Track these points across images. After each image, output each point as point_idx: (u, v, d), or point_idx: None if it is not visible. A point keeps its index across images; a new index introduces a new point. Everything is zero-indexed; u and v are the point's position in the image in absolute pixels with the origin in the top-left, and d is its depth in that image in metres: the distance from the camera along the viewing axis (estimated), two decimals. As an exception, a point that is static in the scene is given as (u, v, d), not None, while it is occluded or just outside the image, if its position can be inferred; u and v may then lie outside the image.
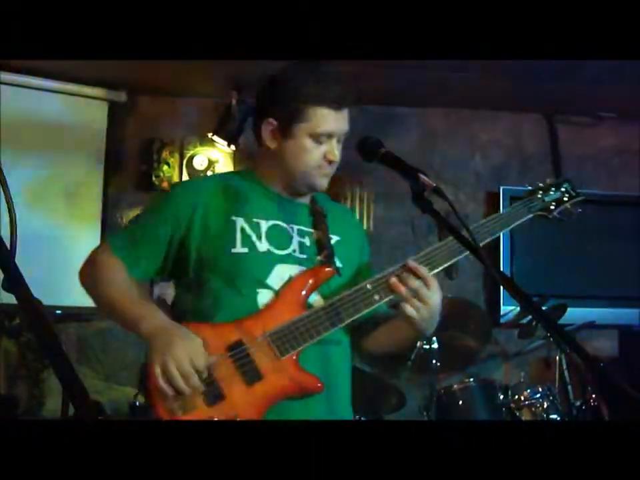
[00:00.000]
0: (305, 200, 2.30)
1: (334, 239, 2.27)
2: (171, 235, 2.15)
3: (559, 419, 4.03)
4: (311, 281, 2.13)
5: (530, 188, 2.38)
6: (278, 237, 2.18)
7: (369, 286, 2.10)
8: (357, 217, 5.30)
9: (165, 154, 5.24)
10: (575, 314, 4.72)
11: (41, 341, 1.10)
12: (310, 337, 2.05)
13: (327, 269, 2.16)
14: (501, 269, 5.17)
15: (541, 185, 2.39)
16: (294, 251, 2.18)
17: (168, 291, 2.37)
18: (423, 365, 4.12)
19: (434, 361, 4.02)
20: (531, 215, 2.32)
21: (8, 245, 1.23)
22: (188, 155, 5.31)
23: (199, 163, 5.30)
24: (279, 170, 2.22)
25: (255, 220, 2.17)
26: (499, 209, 5.40)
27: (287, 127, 2.15)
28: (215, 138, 5.16)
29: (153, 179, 5.21)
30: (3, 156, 4.14)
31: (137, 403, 4.72)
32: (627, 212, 5.56)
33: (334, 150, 2.17)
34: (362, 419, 4.01)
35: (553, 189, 2.39)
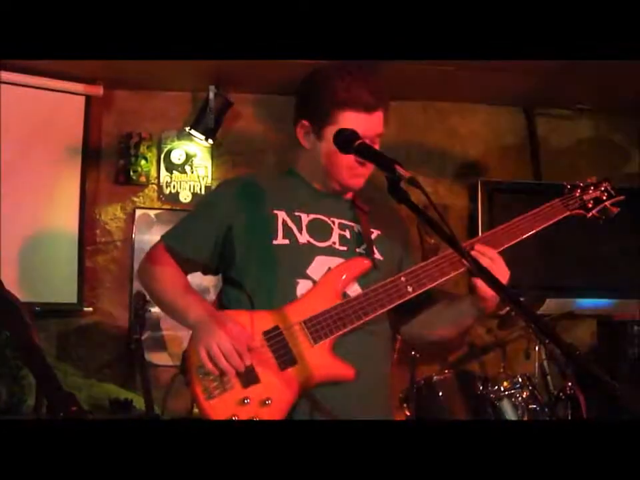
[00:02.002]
0: (348, 195, 2.37)
1: (374, 233, 2.33)
2: (218, 228, 2.25)
3: (538, 408, 4.06)
4: (347, 272, 2.19)
5: (569, 186, 2.42)
6: (318, 230, 2.25)
7: (402, 278, 2.16)
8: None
9: (142, 148, 5.21)
10: (553, 304, 4.75)
11: (11, 332, 1.09)
12: (343, 325, 2.11)
13: (364, 261, 2.22)
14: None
15: (580, 184, 2.42)
16: (334, 243, 2.25)
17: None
18: (403, 357, 4.13)
19: (413, 352, 4.03)
20: (567, 213, 2.38)
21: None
22: (166, 149, 5.30)
23: (177, 157, 5.29)
24: (315, 168, 2.30)
25: (296, 213, 2.26)
26: (478, 201, 5.43)
27: (318, 129, 2.22)
28: (193, 132, 5.15)
29: (131, 173, 5.19)
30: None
31: (118, 399, 4.70)
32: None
33: None
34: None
35: (592, 187, 2.42)
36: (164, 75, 5.05)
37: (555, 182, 5.41)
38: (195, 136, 5.17)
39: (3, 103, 4.75)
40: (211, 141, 5.17)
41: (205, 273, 2.36)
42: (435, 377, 4.06)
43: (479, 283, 2.11)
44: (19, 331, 1.09)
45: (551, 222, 2.33)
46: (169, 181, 5.28)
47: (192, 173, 5.31)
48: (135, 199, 5.26)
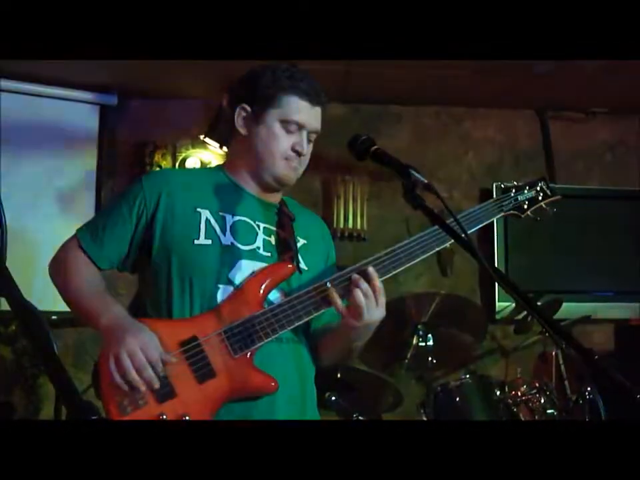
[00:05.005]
0: (274, 200, 2.30)
1: (300, 241, 2.27)
2: (135, 224, 2.15)
3: (555, 414, 4.03)
4: (270, 278, 2.09)
5: (503, 187, 2.38)
6: (243, 232, 2.16)
7: (328, 284, 2.07)
8: (340, 219, 5.31)
9: (157, 157, 5.23)
10: (570, 309, 4.73)
11: (33, 342, 1.10)
12: (265, 335, 2.01)
13: (287, 265, 2.14)
14: (496, 266, 5.17)
15: (515, 183, 2.39)
16: (258, 247, 2.16)
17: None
18: (419, 363, 4.13)
19: (430, 358, 4.02)
20: (501, 214, 2.33)
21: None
22: (180, 158, 5.31)
23: (192, 165, 5.29)
24: (248, 159, 2.23)
25: (220, 213, 2.16)
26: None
27: (259, 112, 2.19)
28: (207, 140, 5.16)
29: (146, 182, 5.19)
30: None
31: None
32: (619, 206, 5.57)
33: (303, 142, 2.19)
34: (359, 417, 4.01)
35: (527, 187, 2.39)
36: (178, 83, 5.07)
37: (569, 185, 5.48)
38: (209, 144, 5.18)
39: (17, 113, 4.78)
40: (225, 148, 5.17)
41: (120, 270, 2.24)
42: (451, 383, 4.04)
43: (345, 313, 2.04)
44: (39, 339, 1.09)
45: (482, 224, 2.28)
46: (184, 188, 5.28)
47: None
48: (151, 207, 5.26)
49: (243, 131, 2.22)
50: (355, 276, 2.05)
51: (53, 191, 4.99)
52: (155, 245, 2.13)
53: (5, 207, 1.30)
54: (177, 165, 5.28)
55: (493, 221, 5.44)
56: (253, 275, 2.10)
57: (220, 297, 2.07)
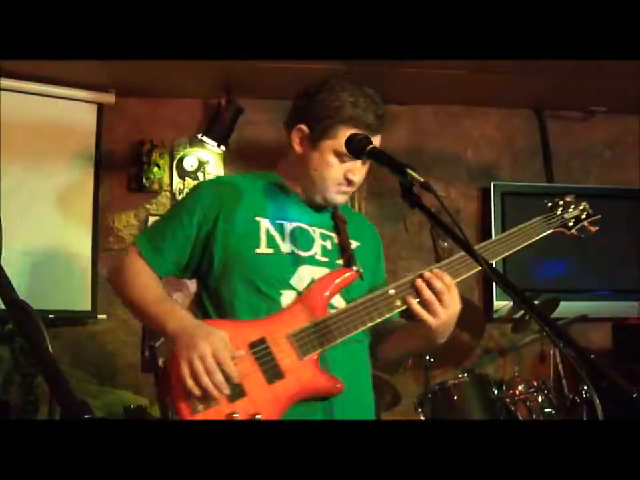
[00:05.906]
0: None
1: (353, 244, 2.30)
2: (196, 232, 2.18)
3: (553, 412, 4.04)
4: (334, 283, 2.15)
5: (550, 204, 2.44)
6: (301, 239, 2.21)
7: (391, 291, 2.11)
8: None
9: (154, 155, 5.23)
10: (568, 308, 4.73)
11: (27, 340, 1.09)
12: (332, 338, 2.07)
13: (351, 272, 2.18)
14: (493, 265, 5.16)
15: (560, 202, 2.45)
16: (315, 253, 2.21)
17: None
18: (417, 362, 4.12)
19: (428, 357, 4.02)
20: (551, 230, 2.39)
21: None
22: (178, 156, 5.31)
23: (189, 164, 5.30)
24: (301, 175, 2.25)
25: (278, 221, 2.21)
26: (490, 205, 5.42)
27: (315, 139, 2.18)
28: (205, 139, 5.16)
29: (144, 180, 5.21)
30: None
31: (132, 406, 4.70)
32: (618, 205, 5.56)
33: (356, 170, 2.20)
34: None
35: (572, 206, 2.45)
36: (175, 82, 5.07)
37: (567, 184, 5.48)
38: (207, 142, 5.18)
39: (15, 112, 4.78)
40: (223, 147, 5.18)
41: (178, 277, 2.28)
42: (449, 382, 4.04)
43: (425, 316, 2.06)
44: (33, 337, 1.09)
45: (533, 240, 2.33)
46: (181, 187, 5.29)
47: (204, 179, 5.30)
48: (148, 206, 5.27)
49: (298, 149, 2.23)
50: (419, 280, 2.09)
51: (51, 189, 4.99)
52: (216, 254, 2.17)
53: (2, 206, 1.29)
54: (175, 163, 5.28)
55: (490, 220, 5.45)
56: (317, 280, 2.15)
57: (284, 302, 2.12)
